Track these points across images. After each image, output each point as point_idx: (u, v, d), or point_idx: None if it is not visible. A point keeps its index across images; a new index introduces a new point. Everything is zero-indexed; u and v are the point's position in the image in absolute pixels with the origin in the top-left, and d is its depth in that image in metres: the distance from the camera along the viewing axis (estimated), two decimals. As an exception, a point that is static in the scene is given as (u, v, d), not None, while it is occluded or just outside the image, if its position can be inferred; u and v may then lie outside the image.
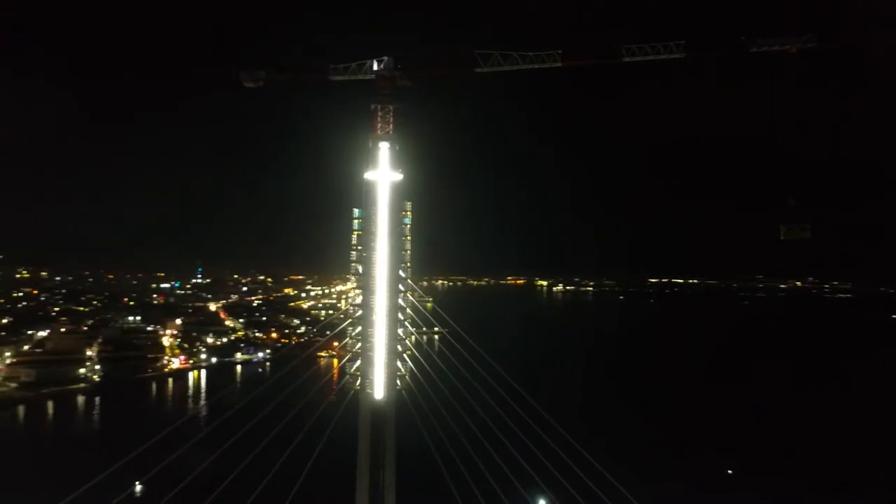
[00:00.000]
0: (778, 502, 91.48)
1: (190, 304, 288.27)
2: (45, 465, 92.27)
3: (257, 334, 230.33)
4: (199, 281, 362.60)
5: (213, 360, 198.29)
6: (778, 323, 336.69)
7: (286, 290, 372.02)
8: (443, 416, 46.51)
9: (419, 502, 50.73)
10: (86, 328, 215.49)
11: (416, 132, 47.44)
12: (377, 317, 44.72)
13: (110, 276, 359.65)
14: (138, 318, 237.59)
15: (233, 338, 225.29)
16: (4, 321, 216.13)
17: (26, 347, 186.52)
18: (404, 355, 45.54)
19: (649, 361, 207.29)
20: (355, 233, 45.66)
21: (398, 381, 45.15)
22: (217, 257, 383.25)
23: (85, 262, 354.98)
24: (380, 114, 45.75)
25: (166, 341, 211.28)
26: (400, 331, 45.27)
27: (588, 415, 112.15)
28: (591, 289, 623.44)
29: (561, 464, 46.77)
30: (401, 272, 45.58)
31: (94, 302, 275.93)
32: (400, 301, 45.51)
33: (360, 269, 45.43)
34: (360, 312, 45.42)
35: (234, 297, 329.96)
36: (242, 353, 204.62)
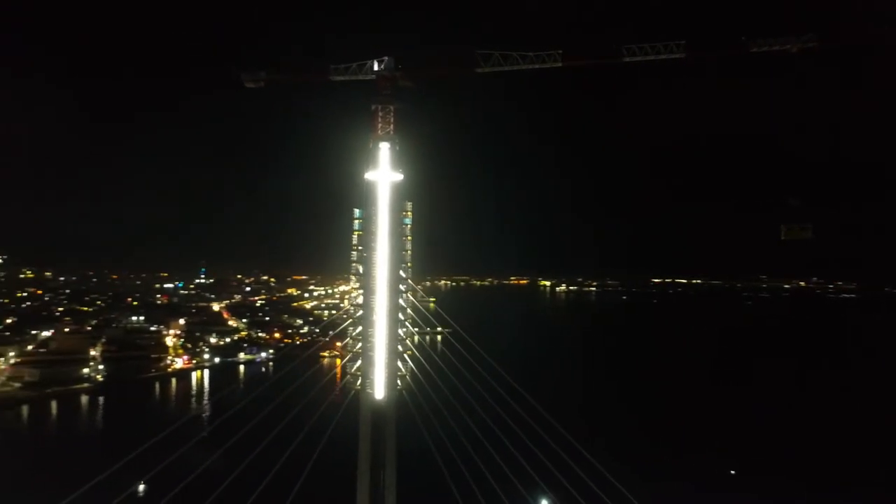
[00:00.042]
0: (780, 502, 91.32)
1: (193, 305, 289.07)
2: (49, 464, 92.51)
3: (260, 334, 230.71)
4: (203, 281, 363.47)
5: (217, 360, 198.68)
6: (781, 323, 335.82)
7: (289, 291, 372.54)
8: (443, 416, 46.55)
9: (420, 502, 50.76)
10: (89, 328, 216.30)
11: (416, 132, 47.59)
12: (378, 317, 44.76)
13: (114, 277, 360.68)
14: (142, 318, 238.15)
15: (236, 338, 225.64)
16: (9, 321, 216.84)
17: (30, 347, 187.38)
18: (405, 355, 45.56)
19: (651, 361, 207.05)
20: (356, 233, 45.73)
21: (398, 381, 45.18)
22: (220, 257, 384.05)
23: (85, 262, 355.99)
24: (380, 114, 45.82)
25: (170, 341, 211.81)
26: (400, 331, 45.29)
27: (589, 415, 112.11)
28: (594, 289, 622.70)
29: (561, 464, 46.80)
30: (401, 272, 45.62)
31: (98, 302, 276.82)
32: (400, 301, 45.54)
33: (361, 269, 45.48)
34: (360, 312, 45.46)
35: (238, 297, 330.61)
36: (245, 354, 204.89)
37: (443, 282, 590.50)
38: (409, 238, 46.10)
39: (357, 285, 46.06)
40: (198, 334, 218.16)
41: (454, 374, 49.04)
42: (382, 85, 45.91)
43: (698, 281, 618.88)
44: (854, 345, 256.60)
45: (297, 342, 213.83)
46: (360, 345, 45.43)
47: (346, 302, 48.57)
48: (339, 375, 46.50)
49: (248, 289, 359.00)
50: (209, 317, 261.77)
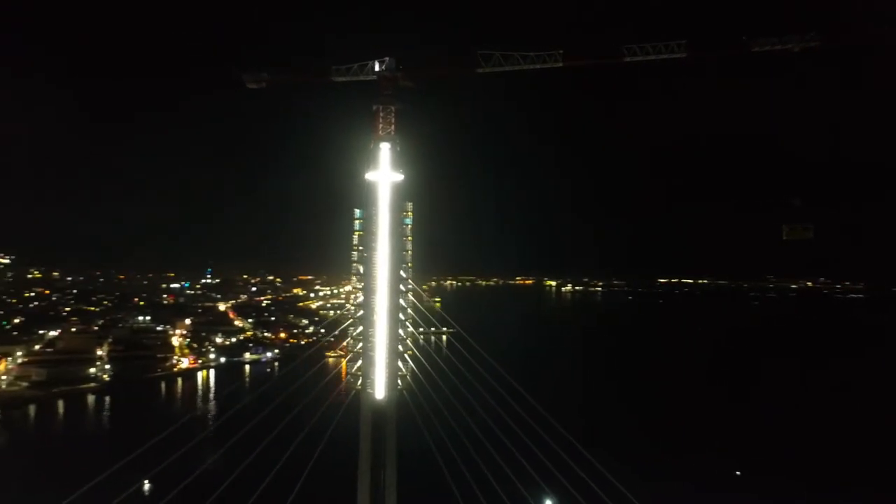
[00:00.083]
0: (781, 503, 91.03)
1: (199, 305, 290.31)
2: (56, 463, 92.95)
3: (266, 334, 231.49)
4: (209, 281, 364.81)
5: (222, 359, 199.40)
6: (788, 323, 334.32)
7: (295, 291, 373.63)
8: (444, 416, 46.58)
9: (420, 502, 50.81)
10: (96, 328, 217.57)
11: (416, 132, 47.62)
12: (378, 317, 44.84)
13: (121, 277, 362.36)
14: (148, 318, 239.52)
15: (241, 338, 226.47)
16: (16, 321, 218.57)
17: (37, 347, 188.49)
18: (405, 355, 45.63)
19: (656, 361, 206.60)
20: (356, 233, 45.82)
21: (399, 381, 45.25)
22: (221, 257, 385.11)
23: (86, 262, 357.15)
24: (381, 114, 45.87)
25: (176, 341, 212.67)
26: (401, 331, 45.37)
27: (592, 415, 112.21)
28: (599, 289, 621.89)
29: (562, 464, 46.77)
30: (402, 272, 45.70)
31: (105, 302, 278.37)
32: (401, 301, 45.62)
33: (362, 269, 45.58)
34: (360, 312, 45.57)
35: (244, 297, 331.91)
36: (251, 353, 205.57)
37: (448, 282, 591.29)
38: (410, 238, 46.16)
39: (358, 285, 46.10)
40: (204, 334, 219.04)
41: (455, 374, 49.08)
42: (383, 85, 45.96)
43: (704, 281, 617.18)
44: (861, 345, 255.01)
45: (303, 342, 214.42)
46: (360, 345, 45.50)
47: (349, 302, 48.53)
48: (343, 375, 46.47)
49: (253, 289, 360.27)
50: (215, 317, 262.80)
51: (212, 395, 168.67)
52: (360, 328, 45.71)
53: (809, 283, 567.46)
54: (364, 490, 44.16)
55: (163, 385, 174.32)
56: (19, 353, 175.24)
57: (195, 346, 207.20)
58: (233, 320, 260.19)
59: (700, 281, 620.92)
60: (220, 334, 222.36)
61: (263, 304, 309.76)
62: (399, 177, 45.61)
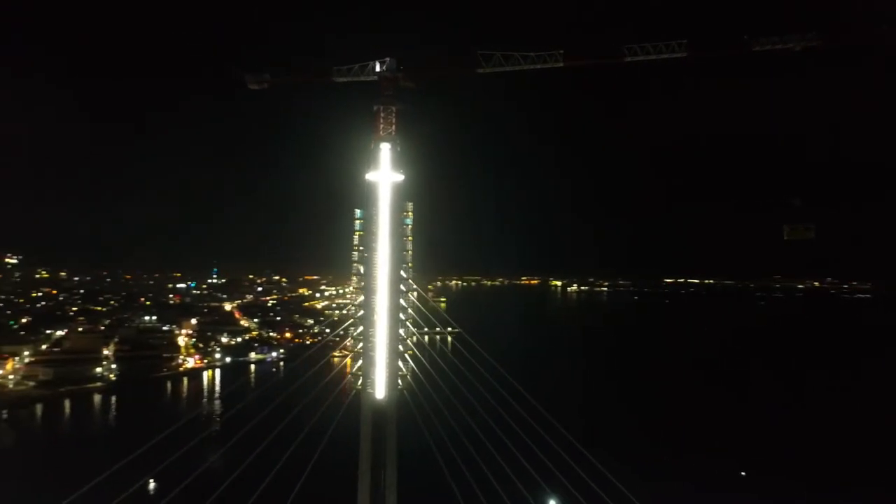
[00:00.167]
0: (783, 503, 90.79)
1: (205, 304, 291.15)
2: (62, 461, 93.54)
3: (271, 334, 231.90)
4: (215, 281, 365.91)
5: (228, 359, 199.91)
6: (794, 324, 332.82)
7: (301, 290, 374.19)
8: (444, 416, 46.62)
9: (420, 502, 50.87)
10: (103, 328, 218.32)
11: (417, 133, 47.71)
12: (379, 317, 44.94)
13: (127, 277, 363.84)
14: (154, 317, 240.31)
15: (247, 337, 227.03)
16: (24, 321, 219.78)
17: (44, 346, 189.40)
18: (406, 355, 45.73)
19: (661, 362, 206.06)
20: (357, 233, 45.93)
21: (399, 381, 45.34)
22: (226, 258, 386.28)
23: (86, 262, 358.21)
24: (382, 115, 45.98)
25: (181, 341, 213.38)
26: (401, 331, 45.46)
27: (593, 415, 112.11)
28: (605, 289, 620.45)
29: (563, 464, 46.78)
30: (402, 272, 45.78)
31: (112, 302, 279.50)
32: (401, 301, 45.71)
33: (362, 269, 45.70)
34: (361, 312, 45.69)
35: (249, 297, 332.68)
36: (256, 353, 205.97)
37: (453, 282, 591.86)
38: (410, 238, 46.26)
39: (359, 285, 46.21)
40: (209, 334, 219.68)
41: (456, 373, 49.14)
42: (384, 86, 46.09)
43: (711, 281, 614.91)
44: (866, 345, 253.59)
45: (308, 342, 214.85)
46: (361, 345, 45.62)
47: (351, 302, 48.65)
48: (347, 375, 46.61)
49: (259, 289, 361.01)
50: (221, 316, 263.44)
51: (217, 395, 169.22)
52: (361, 328, 45.82)
53: (816, 283, 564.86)
54: (364, 490, 44.29)
55: (169, 384, 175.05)
56: (26, 353, 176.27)
57: (201, 345, 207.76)
58: (238, 320, 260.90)
59: (706, 281, 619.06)
60: (225, 334, 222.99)
61: (269, 304, 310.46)
62: (399, 177, 45.70)
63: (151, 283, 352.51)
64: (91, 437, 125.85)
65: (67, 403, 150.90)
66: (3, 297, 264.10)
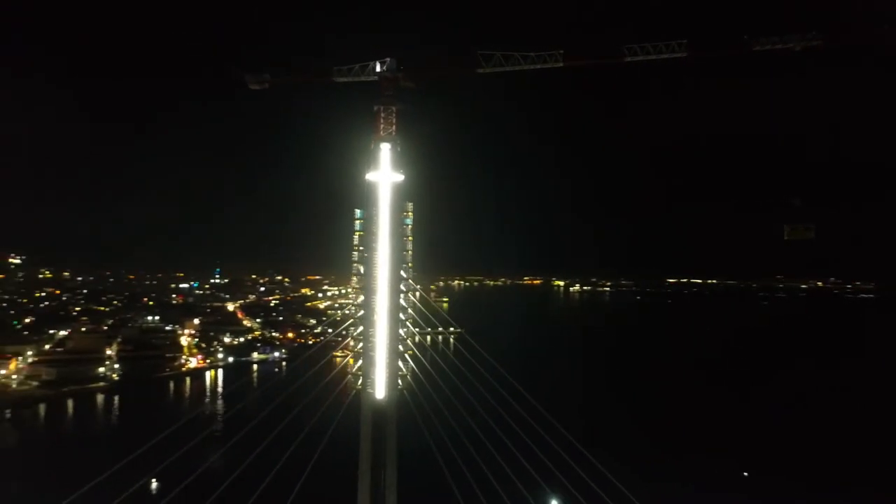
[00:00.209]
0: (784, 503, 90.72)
1: (208, 304, 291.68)
2: (64, 461, 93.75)
3: (274, 334, 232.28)
4: (218, 281, 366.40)
5: (230, 359, 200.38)
6: (795, 323, 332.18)
7: (303, 291, 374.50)
8: (444, 416, 46.67)
9: (421, 501, 50.91)
10: (106, 328, 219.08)
11: (417, 133, 47.72)
12: (379, 317, 44.99)
13: (131, 277, 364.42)
14: (157, 317, 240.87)
15: (250, 337, 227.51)
16: (27, 321, 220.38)
17: (48, 346, 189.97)
18: (406, 355, 45.78)
19: (663, 362, 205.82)
20: (357, 233, 45.98)
21: (399, 381, 45.38)
22: (226, 257, 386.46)
23: (86, 261, 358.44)
24: (382, 115, 46.00)
25: (184, 341, 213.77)
26: (401, 331, 45.50)
27: (595, 416, 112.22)
28: (607, 289, 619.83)
29: (564, 465, 46.80)
30: (402, 272, 45.81)
31: (115, 302, 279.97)
32: (401, 301, 45.75)
33: (362, 269, 45.75)
34: (361, 312, 45.75)
35: (252, 297, 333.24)
36: (259, 353, 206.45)
37: (456, 282, 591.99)
38: (411, 238, 46.28)
39: (359, 286, 46.27)
40: (212, 334, 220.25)
41: (456, 373, 49.19)
42: (385, 86, 46.09)
43: (713, 281, 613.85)
44: (870, 345, 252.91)
45: (311, 342, 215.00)
46: (361, 345, 45.68)
47: (352, 302, 48.70)
48: (349, 375, 46.66)
49: (262, 289, 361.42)
50: (224, 316, 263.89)
51: (219, 395, 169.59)
52: (361, 328, 45.88)
53: (819, 283, 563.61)
54: (364, 489, 44.35)
55: (171, 384, 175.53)
56: (30, 353, 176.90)
57: (204, 345, 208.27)
58: (241, 320, 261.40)
59: (709, 281, 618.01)
60: (228, 334, 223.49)
61: (272, 304, 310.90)
62: (399, 177, 45.73)
63: (154, 283, 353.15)
64: (94, 436, 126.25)
65: (70, 403, 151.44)
66: (6, 296, 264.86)
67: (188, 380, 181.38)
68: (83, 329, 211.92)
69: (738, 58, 43.13)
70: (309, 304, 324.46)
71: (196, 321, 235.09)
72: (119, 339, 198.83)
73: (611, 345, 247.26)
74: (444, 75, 48.19)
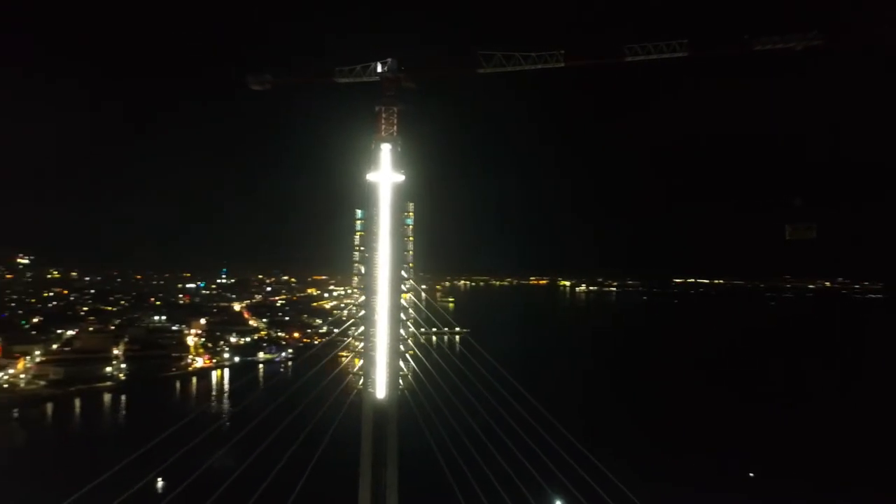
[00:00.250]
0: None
1: (215, 304, 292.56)
2: (72, 460, 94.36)
3: (280, 334, 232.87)
4: (224, 281, 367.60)
5: (236, 359, 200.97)
6: (802, 324, 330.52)
7: (309, 291, 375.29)
8: (445, 416, 46.78)
9: (421, 500, 51.03)
10: (113, 327, 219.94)
11: (418, 133, 47.84)
12: (380, 317, 45.14)
13: (138, 277, 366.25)
14: (164, 317, 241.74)
15: (256, 337, 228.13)
16: (35, 320, 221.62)
17: (55, 346, 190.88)
18: (407, 355, 45.91)
19: (669, 362, 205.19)
20: (358, 233, 46.14)
21: (400, 381, 45.51)
22: (226, 257, 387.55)
23: (86, 261, 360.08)
24: (384, 115, 46.12)
25: (191, 340, 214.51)
26: (402, 331, 45.65)
27: (598, 416, 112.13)
28: (614, 289, 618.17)
29: (565, 465, 46.84)
30: (403, 272, 45.94)
31: (122, 302, 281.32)
32: (402, 301, 45.89)
33: (363, 269, 45.92)
34: (363, 312, 45.92)
35: (259, 297, 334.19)
36: (265, 353, 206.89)
37: (462, 282, 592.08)
38: (411, 238, 46.39)
39: (360, 286, 46.44)
40: (218, 334, 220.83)
41: (457, 374, 49.29)
42: (386, 87, 46.22)
43: (720, 281, 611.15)
44: (876, 345, 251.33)
45: (317, 342, 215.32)
46: (363, 344, 45.85)
47: (353, 302, 48.86)
48: (350, 375, 46.84)
49: (268, 289, 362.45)
50: (230, 316, 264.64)
51: (225, 394, 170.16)
52: (363, 328, 46.05)
53: (827, 283, 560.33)
54: (365, 488, 44.54)
55: (178, 384, 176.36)
56: (38, 352, 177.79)
57: (210, 345, 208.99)
58: (247, 320, 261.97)
59: (715, 281, 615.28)
60: (234, 334, 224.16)
61: (278, 304, 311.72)
62: (400, 177, 45.85)
63: (161, 283, 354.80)
64: (101, 435, 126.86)
65: (78, 402, 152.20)
66: (14, 296, 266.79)
67: (194, 379, 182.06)
68: (90, 329, 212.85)
69: (738, 57, 43.09)
70: (315, 304, 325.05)
71: (202, 321, 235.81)
72: (126, 339, 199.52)
73: (618, 345, 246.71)
74: (444, 75, 48.35)
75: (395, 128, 46.07)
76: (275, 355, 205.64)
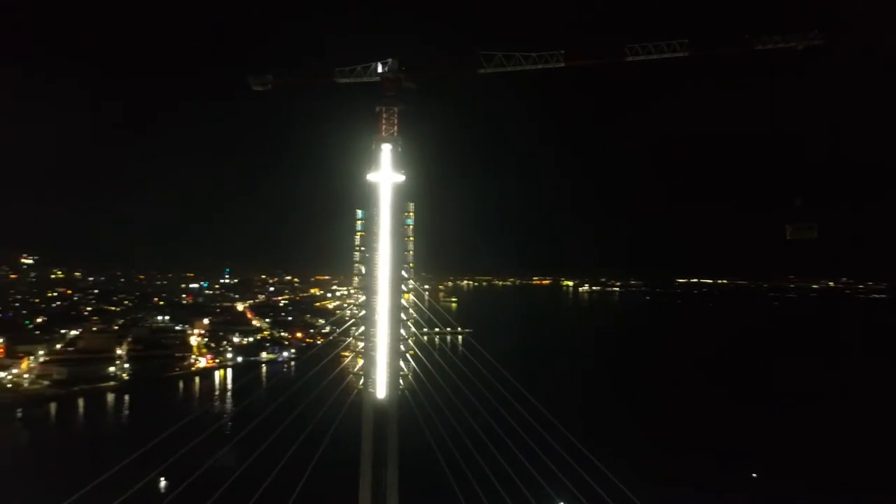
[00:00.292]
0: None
1: (218, 304, 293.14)
2: (75, 459, 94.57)
3: (283, 334, 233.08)
4: (227, 281, 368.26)
5: (239, 359, 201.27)
6: (806, 324, 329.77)
7: (312, 291, 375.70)
8: (445, 416, 46.82)
9: (422, 500, 51.08)
10: (116, 327, 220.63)
11: (418, 133, 47.84)
12: (380, 317, 45.18)
13: (141, 277, 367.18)
14: (167, 317, 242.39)
15: (259, 337, 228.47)
16: (39, 320, 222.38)
17: (59, 346, 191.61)
18: (407, 355, 45.95)
19: (672, 363, 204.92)
20: (358, 234, 46.17)
21: (401, 381, 45.54)
22: (226, 257, 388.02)
23: (86, 261, 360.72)
24: (384, 116, 46.13)
25: (194, 340, 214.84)
26: (402, 331, 45.68)
27: (600, 416, 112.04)
28: (617, 289, 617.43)
29: (565, 465, 46.85)
30: (403, 272, 45.96)
31: (126, 302, 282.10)
32: (402, 301, 45.92)
33: (364, 269, 45.96)
34: (363, 312, 45.97)
35: (262, 297, 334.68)
36: (268, 353, 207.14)
37: (465, 282, 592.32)
38: (412, 238, 46.40)
39: (360, 286, 46.47)
40: (221, 334, 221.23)
41: (458, 374, 49.34)
42: (387, 87, 46.19)
43: (724, 281, 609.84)
44: (880, 345, 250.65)
45: (319, 342, 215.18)
46: (363, 344, 45.90)
47: (354, 303, 48.89)
48: (351, 375, 46.91)
49: (271, 289, 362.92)
50: (233, 316, 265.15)
51: (227, 394, 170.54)
52: (363, 328, 46.09)
53: (831, 283, 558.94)
54: (366, 488, 44.59)
55: (181, 384, 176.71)
56: (41, 352, 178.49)
57: (213, 345, 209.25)
58: (250, 320, 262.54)
59: (719, 281, 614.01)
60: (237, 334, 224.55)
61: (281, 304, 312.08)
62: (401, 177, 45.87)
63: (164, 283, 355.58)
64: (104, 435, 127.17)
65: (81, 402, 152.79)
66: (18, 296, 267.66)
67: (197, 379, 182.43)
68: (94, 329, 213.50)
69: (739, 57, 43.03)
70: (318, 304, 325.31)
71: (206, 321, 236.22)
72: (129, 339, 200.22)
73: (620, 345, 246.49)
74: (445, 75, 48.38)
75: (395, 128, 46.07)
76: (277, 355, 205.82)
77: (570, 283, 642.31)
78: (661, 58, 43.00)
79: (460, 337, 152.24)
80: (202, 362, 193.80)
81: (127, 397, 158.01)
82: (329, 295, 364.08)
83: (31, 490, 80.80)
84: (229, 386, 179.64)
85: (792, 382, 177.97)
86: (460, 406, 47.46)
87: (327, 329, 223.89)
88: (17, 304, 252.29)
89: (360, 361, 46.03)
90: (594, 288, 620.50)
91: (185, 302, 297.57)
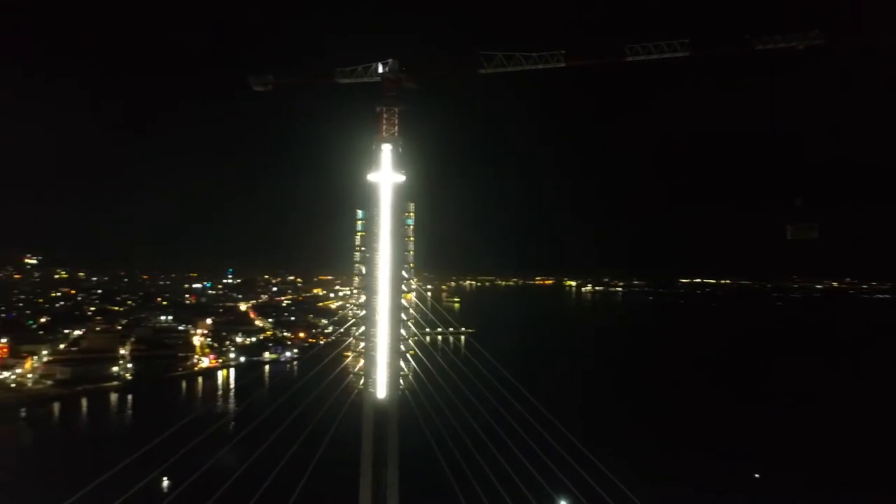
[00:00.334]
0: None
1: (221, 304, 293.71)
2: (78, 459, 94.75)
3: (285, 334, 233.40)
4: (230, 281, 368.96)
5: (242, 359, 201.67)
6: (809, 324, 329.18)
7: (315, 291, 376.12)
8: (446, 416, 46.85)
9: (422, 500, 51.11)
10: (120, 327, 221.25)
11: (418, 133, 47.85)
12: (380, 317, 45.23)
13: (144, 277, 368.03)
14: (170, 317, 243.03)
15: (261, 337, 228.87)
16: (42, 320, 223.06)
17: (62, 346, 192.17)
18: (407, 355, 45.99)
19: (674, 363, 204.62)
20: (359, 234, 46.21)
21: (401, 381, 45.59)
22: (226, 257, 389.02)
23: (86, 261, 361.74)
24: (385, 116, 46.17)
25: (197, 340, 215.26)
26: (402, 331, 45.72)
27: (601, 417, 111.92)
28: (620, 289, 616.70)
29: (566, 465, 46.84)
30: (404, 272, 46.01)
31: (129, 302, 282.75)
32: (403, 301, 45.97)
33: (364, 269, 46.02)
34: (363, 312, 46.03)
35: (265, 297, 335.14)
36: (270, 353, 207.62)
37: (468, 282, 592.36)
38: (412, 238, 46.43)
39: (360, 286, 46.53)
40: (224, 334, 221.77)
41: (459, 374, 49.37)
42: (387, 87, 46.19)
43: (727, 281, 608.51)
44: (882, 345, 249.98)
45: (322, 342, 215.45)
46: (363, 344, 45.96)
47: (355, 303, 48.94)
48: (351, 375, 46.95)
49: (274, 289, 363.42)
50: (236, 316, 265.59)
51: (231, 394, 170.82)
52: (364, 328, 46.15)
53: (835, 284, 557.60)
54: (366, 488, 44.64)
55: (184, 384, 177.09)
56: (45, 352, 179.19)
57: (216, 345, 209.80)
58: (253, 320, 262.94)
59: (722, 281, 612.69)
60: (240, 334, 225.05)
61: (284, 304, 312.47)
62: (401, 177, 45.91)
63: (167, 283, 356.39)
64: (107, 435, 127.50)
65: (84, 402, 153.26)
66: (22, 296, 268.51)
67: (200, 379, 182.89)
68: (97, 329, 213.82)
69: (740, 57, 42.98)
70: (321, 304, 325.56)
71: (209, 321, 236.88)
72: (133, 339, 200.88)
73: (623, 345, 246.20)
74: (445, 76, 48.40)
75: (395, 128, 46.09)
76: (280, 355, 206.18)
77: (573, 284, 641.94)
78: (662, 58, 42.94)
79: (462, 337, 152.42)
80: (205, 362, 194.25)
81: (130, 397, 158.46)
82: (332, 295, 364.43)
83: (35, 489, 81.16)
84: (232, 386, 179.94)
85: (794, 382, 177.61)
86: (460, 406, 47.46)
87: (330, 329, 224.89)
88: (20, 304, 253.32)
89: (361, 361, 46.05)
90: (597, 288, 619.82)
91: (188, 302, 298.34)
